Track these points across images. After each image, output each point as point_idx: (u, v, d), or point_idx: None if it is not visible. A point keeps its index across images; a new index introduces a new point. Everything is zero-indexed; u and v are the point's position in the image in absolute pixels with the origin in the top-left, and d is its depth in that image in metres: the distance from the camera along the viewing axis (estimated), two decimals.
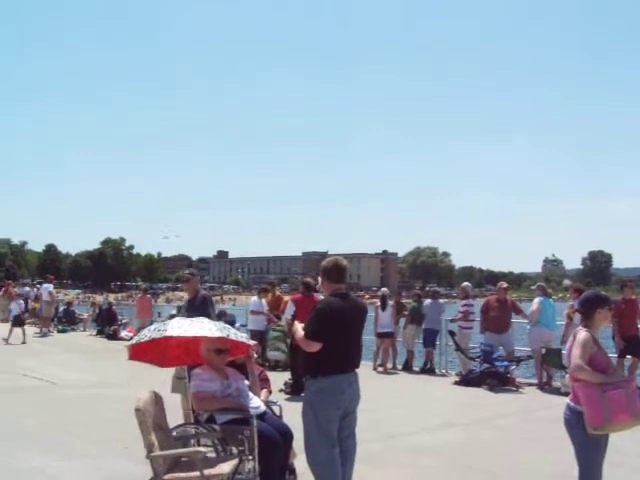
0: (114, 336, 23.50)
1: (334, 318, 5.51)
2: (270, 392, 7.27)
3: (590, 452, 5.10)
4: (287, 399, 10.85)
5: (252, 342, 7.10)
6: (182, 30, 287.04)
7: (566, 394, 5.32)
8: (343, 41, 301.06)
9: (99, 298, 70.54)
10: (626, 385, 4.99)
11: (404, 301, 17.56)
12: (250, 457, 5.74)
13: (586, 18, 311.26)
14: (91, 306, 31.45)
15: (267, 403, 6.66)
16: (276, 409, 6.79)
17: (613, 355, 12.24)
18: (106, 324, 24.70)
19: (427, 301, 16.34)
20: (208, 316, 7.95)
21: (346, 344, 5.58)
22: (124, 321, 25.61)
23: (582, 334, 5.17)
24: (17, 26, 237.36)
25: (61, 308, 28.74)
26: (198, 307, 9.14)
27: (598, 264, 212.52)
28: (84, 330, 26.85)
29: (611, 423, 4.90)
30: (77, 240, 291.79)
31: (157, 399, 5.59)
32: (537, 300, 14.06)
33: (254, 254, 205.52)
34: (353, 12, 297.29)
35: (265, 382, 7.29)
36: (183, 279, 10.61)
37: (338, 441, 5.54)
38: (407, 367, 16.01)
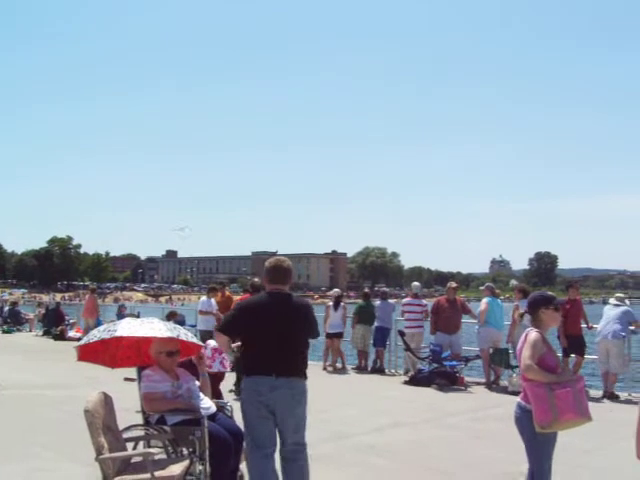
0: (61, 336, 23.15)
1: (249, 315, 5.47)
2: None
3: (540, 449, 5.19)
4: (236, 399, 10.80)
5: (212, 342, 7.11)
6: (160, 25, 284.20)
7: (513, 393, 5.44)
8: (279, 32, 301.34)
9: (45, 298, 69.40)
10: (573, 384, 5.08)
11: (352, 301, 17.66)
12: (201, 458, 5.71)
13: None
14: (37, 306, 30.92)
15: (218, 404, 6.63)
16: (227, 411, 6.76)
17: (558, 354, 12.46)
18: (53, 324, 24.32)
19: (377, 302, 16.46)
20: None
21: (267, 345, 5.36)
22: (72, 321, 25.25)
23: (532, 335, 5.26)
24: None
25: (6, 308, 28.22)
26: None
27: (544, 265, 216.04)
28: (30, 331, 26.39)
29: (559, 421, 5.00)
30: (23, 239, 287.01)
31: (107, 400, 5.53)
32: (485, 300, 14.24)
33: (203, 254, 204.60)
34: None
35: None
36: None
37: (284, 450, 5.46)
38: (360, 367, 16.10)
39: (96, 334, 6.01)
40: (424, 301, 16.20)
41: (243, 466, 6.26)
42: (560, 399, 4.98)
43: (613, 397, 12.03)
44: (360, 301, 17.14)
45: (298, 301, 5.78)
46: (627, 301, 13.32)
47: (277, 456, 5.48)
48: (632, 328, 12.49)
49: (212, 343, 10.11)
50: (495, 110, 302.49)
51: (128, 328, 5.91)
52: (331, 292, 17.50)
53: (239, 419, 6.49)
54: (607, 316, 12.57)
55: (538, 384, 5.08)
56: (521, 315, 12.95)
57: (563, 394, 4.99)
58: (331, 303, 16.30)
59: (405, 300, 16.13)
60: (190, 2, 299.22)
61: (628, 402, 11.47)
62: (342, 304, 16.41)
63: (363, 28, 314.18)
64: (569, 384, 5.07)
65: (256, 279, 13.53)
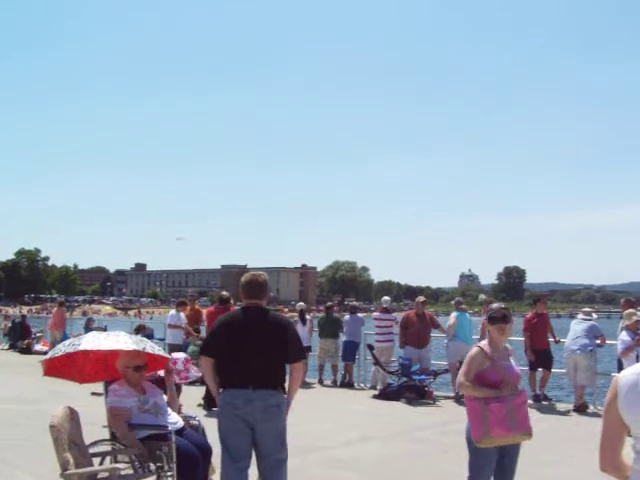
0: (27, 350, 22.87)
1: (225, 330, 5.49)
2: None
3: (477, 462, 5.33)
4: (205, 415, 10.75)
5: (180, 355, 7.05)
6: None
7: None
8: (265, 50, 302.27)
9: (11, 311, 68.60)
10: (510, 399, 5.11)
11: (320, 315, 17.70)
12: (169, 473, 5.68)
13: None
14: (3, 319, 30.53)
15: (186, 418, 6.59)
16: (195, 425, 6.71)
17: (525, 368, 12.53)
18: (19, 338, 24.02)
19: (346, 317, 16.49)
20: None
21: (242, 358, 5.36)
22: (38, 334, 24.95)
23: (472, 351, 5.46)
24: None
25: None
26: None
27: (512, 279, 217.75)
28: None
29: (490, 437, 5.04)
30: None
31: (73, 415, 5.47)
32: (454, 315, 14.30)
33: (173, 267, 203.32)
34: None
35: None
36: None
37: (263, 466, 5.42)
38: (320, 381, 16.06)
39: (62, 348, 5.97)
40: (394, 314, 16.22)
41: (214, 478, 6.24)
42: (492, 413, 5.03)
43: (581, 410, 12.13)
44: (321, 314, 17.18)
45: (275, 316, 5.78)
46: (594, 315, 13.47)
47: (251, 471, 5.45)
48: (598, 342, 12.62)
49: (181, 355, 10.09)
50: (468, 122, 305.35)
51: (93, 341, 5.88)
52: (297, 306, 17.53)
53: (207, 434, 6.47)
54: (574, 331, 12.68)
55: (474, 398, 5.18)
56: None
57: (496, 408, 5.05)
58: (297, 317, 16.28)
59: (375, 314, 16.15)
60: (188, 8, 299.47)
61: (594, 415, 11.57)
62: (308, 318, 16.45)
63: (360, 28, 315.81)
64: (505, 399, 5.11)
65: (224, 292, 13.55)
